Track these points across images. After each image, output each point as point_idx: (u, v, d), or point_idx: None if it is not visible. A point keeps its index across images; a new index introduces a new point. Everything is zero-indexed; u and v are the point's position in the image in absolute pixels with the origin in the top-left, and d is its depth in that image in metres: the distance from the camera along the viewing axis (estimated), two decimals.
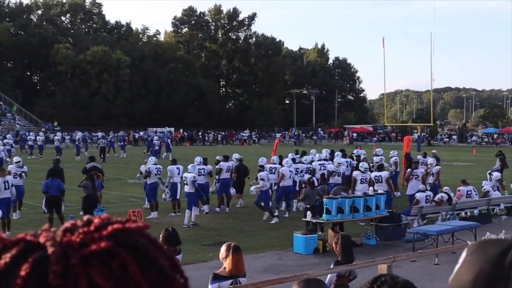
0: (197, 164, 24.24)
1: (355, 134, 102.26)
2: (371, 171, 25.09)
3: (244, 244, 18.06)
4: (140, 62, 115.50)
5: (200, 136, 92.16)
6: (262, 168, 25.14)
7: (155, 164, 24.24)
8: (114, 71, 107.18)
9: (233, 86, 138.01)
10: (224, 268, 8.50)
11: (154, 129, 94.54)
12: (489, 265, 1.35)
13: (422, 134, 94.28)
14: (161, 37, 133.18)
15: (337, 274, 10.33)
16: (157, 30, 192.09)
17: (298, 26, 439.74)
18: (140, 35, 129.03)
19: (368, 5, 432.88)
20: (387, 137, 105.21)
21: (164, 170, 24.29)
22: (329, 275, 10.00)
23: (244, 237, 19.44)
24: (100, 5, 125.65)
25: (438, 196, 22.17)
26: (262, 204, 23.06)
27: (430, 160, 27.48)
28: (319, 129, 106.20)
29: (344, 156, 29.77)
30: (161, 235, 10.27)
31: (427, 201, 21.64)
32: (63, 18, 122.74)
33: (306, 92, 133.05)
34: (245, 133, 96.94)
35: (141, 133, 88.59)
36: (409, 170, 25.73)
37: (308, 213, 18.91)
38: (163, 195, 23.81)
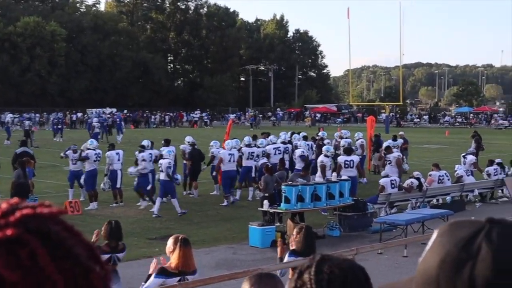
0: (146, 148, 24.11)
1: (317, 115, 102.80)
2: (337, 156, 25.36)
3: (195, 237, 18.07)
4: (77, 34, 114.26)
5: (146, 118, 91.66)
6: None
7: (94, 149, 23.89)
8: (48, 45, 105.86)
9: (182, 62, 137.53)
10: (171, 263, 8.45)
11: (94, 109, 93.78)
12: (457, 248, 1.36)
13: (391, 114, 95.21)
14: (101, 7, 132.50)
15: (294, 267, 10.35)
16: None
17: None
18: (78, 5, 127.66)
19: None
20: (352, 118, 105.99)
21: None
22: (282, 270, 9.98)
23: (194, 230, 19.41)
24: None
25: (408, 182, 22.42)
26: (149, 190, 23.27)
27: (385, 144, 27.64)
28: (278, 109, 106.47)
29: (305, 139, 29.86)
30: (103, 229, 10.18)
31: (393, 186, 21.87)
32: None
33: (263, 68, 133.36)
34: (196, 114, 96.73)
35: (79, 114, 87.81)
36: (384, 154, 26.02)
37: (265, 202, 18.92)
38: (102, 184, 23.56)
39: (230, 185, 24.64)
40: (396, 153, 25.44)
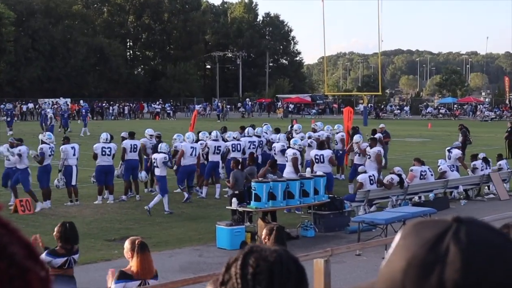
0: (103, 141, 24.01)
1: (290, 106, 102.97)
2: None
3: (157, 238, 18.08)
4: (27, 18, 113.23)
5: (103, 109, 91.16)
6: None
7: (49, 144, 23.53)
8: None
9: (142, 48, 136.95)
10: (131, 266, 8.43)
11: (46, 100, 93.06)
12: (424, 250, 1.35)
13: (369, 105, 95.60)
14: None
15: None
16: None
17: None
18: None
19: None
20: (328, 109, 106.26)
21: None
22: None
23: (156, 230, 19.39)
24: None
25: (388, 178, 22.53)
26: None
27: (355, 137, 27.52)
28: (247, 99, 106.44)
29: (277, 131, 29.89)
30: (55, 230, 10.09)
31: (371, 182, 21.97)
32: None
33: (231, 55, 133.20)
34: (158, 105, 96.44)
35: (30, 105, 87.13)
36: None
37: (234, 200, 18.92)
38: (55, 181, 23.35)
39: (184, 180, 24.75)
40: (376, 148, 25.53)
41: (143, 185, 26.00)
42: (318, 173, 21.14)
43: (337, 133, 30.52)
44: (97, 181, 24.09)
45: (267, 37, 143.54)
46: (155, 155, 22.98)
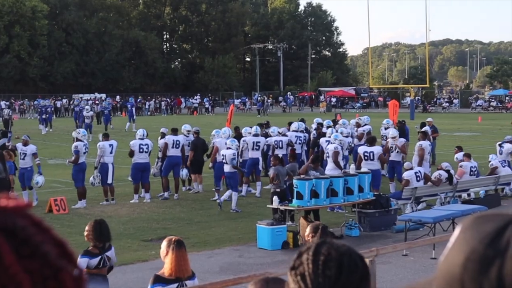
0: (139, 138, 24.11)
1: (333, 99, 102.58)
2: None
3: (195, 238, 18.12)
4: (61, 11, 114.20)
5: (139, 104, 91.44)
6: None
7: (83, 140, 23.69)
8: (29, 23, 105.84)
9: (179, 41, 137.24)
10: (164, 269, 8.44)
11: (81, 95, 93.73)
12: (483, 245, 1.36)
13: (416, 98, 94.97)
14: None
15: None
16: None
17: None
18: None
19: None
20: (373, 103, 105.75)
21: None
22: None
23: (195, 230, 19.44)
24: None
25: (436, 174, 22.35)
26: None
27: (391, 132, 27.24)
28: (289, 93, 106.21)
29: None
30: (86, 230, 10.14)
31: (418, 179, 21.80)
32: None
33: (271, 47, 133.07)
34: (196, 99, 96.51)
35: (64, 100, 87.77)
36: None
37: (275, 198, 18.88)
38: (91, 179, 23.52)
39: (220, 178, 24.78)
40: (402, 139, 25.55)
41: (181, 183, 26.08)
42: (363, 169, 21.02)
43: (386, 128, 30.06)
44: (133, 179, 24.19)
45: (309, 27, 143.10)
46: (224, 151, 23.26)
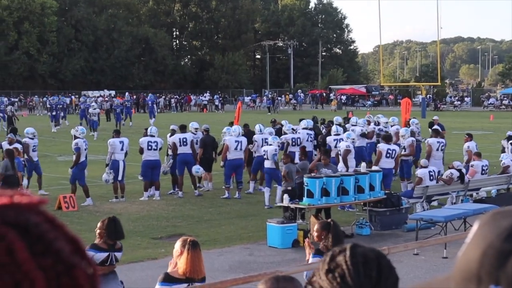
0: (149, 135, 24.15)
1: (344, 97, 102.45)
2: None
3: (205, 236, 18.12)
4: (70, 7, 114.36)
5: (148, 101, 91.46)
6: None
7: (81, 138, 23.53)
8: (38, 20, 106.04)
9: (189, 38, 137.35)
10: (178, 268, 8.38)
11: (90, 92, 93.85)
12: (500, 239, 1.36)
13: (428, 96, 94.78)
14: None
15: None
16: None
17: None
18: None
19: None
20: (384, 101, 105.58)
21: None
22: (305, 272, 9.88)
23: (204, 228, 19.45)
24: None
25: (447, 173, 22.31)
26: None
27: (401, 131, 27.21)
28: (299, 91, 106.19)
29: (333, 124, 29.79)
30: (98, 227, 10.15)
31: (431, 178, 21.76)
32: None
33: (281, 44, 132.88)
34: (205, 97, 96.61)
35: (73, 97, 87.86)
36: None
37: (285, 196, 18.88)
38: (104, 176, 23.54)
39: (230, 176, 24.84)
40: (410, 139, 25.65)
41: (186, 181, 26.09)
42: (374, 167, 21.00)
43: (392, 126, 30.05)
44: (142, 177, 24.20)
45: (319, 25, 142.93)
46: (265, 147, 23.68)
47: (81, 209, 21.86)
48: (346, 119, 32.38)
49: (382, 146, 23.39)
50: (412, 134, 27.22)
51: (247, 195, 24.74)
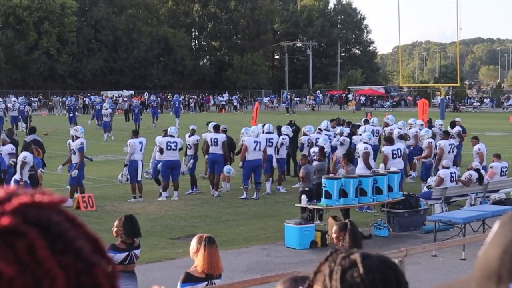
0: (169, 135, 24.25)
1: (362, 98, 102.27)
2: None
3: (223, 237, 18.12)
4: (90, 7, 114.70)
5: (168, 101, 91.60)
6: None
7: (82, 136, 23.38)
8: (58, 20, 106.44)
9: (208, 38, 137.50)
10: (196, 266, 8.42)
11: (109, 92, 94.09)
12: None
13: (447, 97, 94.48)
14: None
15: None
16: None
17: None
18: None
19: None
20: (402, 102, 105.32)
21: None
22: None
23: (222, 229, 19.46)
24: None
25: (466, 174, 22.23)
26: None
27: (422, 131, 27.16)
28: (318, 91, 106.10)
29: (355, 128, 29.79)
30: (115, 225, 10.17)
31: (452, 179, 21.68)
32: None
33: (300, 45, 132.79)
34: (224, 97, 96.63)
35: (93, 97, 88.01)
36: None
37: (303, 197, 18.88)
38: (119, 176, 23.63)
39: (249, 176, 24.80)
40: (428, 140, 25.67)
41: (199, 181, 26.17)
42: (392, 169, 20.95)
43: (409, 128, 29.78)
44: (162, 177, 24.21)
45: (338, 25, 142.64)
46: (313, 149, 23.89)
47: (99, 209, 21.91)
48: (365, 120, 32.25)
49: (386, 149, 23.39)
50: (433, 135, 27.18)
51: (265, 196, 24.74)
